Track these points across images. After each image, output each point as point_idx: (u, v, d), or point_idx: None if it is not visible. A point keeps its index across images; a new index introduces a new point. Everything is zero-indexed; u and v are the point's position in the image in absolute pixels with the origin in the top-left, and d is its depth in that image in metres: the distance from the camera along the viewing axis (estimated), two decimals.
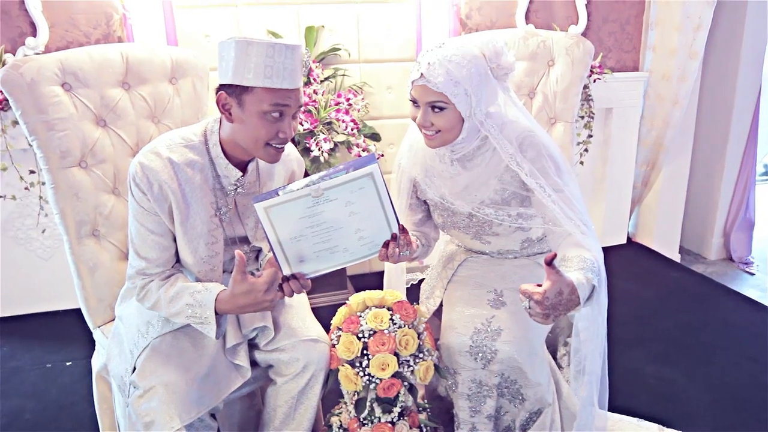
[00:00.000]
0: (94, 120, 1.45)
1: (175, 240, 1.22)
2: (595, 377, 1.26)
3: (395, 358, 1.26)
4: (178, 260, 1.25)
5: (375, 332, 1.27)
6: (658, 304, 2.58)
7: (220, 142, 1.21)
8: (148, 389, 1.14)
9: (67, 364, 2.19)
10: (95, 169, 1.45)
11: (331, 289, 2.43)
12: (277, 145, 1.17)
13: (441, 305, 1.52)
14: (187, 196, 1.18)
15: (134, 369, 1.20)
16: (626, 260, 3.11)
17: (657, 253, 3.20)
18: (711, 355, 2.14)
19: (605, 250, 3.22)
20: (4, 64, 2.21)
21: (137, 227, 1.18)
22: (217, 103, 1.14)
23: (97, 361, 1.55)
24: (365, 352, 1.27)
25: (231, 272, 1.22)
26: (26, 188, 2.31)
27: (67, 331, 2.40)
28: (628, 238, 3.37)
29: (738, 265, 3.26)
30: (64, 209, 1.42)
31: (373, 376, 1.25)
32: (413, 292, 1.66)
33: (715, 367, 2.05)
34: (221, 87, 1.13)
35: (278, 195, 1.10)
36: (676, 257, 3.28)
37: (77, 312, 2.53)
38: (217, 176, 1.23)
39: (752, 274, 3.16)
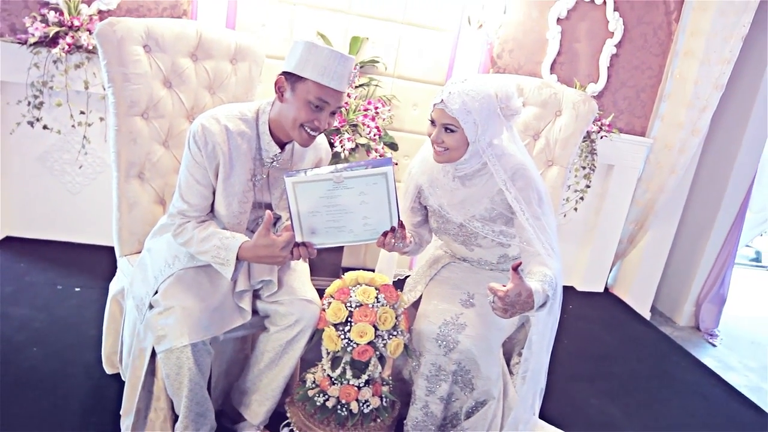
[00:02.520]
0: (162, 81, 1.70)
1: (214, 193, 1.45)
2: (536, 378, 1.47)
3: (373, 329, 1.48)
4: (211, 210, 1.48)
5: (361, 305, 1.49)
6: (617, 350, 2.79)
7: (269, 122, 1.45)
8: (168, 308, 1.37)
9: (76, 289, 2.40)
10: (154, 121, 1.69)
11: (326, 275, 2.66)
12: (310, 131, 1.40)
13: (420, 299, 1.74)
14: (233, 160, 1.41)
15: (155, 293, 1.43)
16: (599, 307, 3.32)
17: (629, 307, 3.40)
18: (653, 401, 2.34)
19: (582, 294, 3.48)
20: (79, 13, 2.46)
21: (186, 176, 1.41)
22: (276, 84, 1.39)
23: (115, 286, 1.77)
24: (349, 319, 1.49)
25: (253, 231, 1.45)
26: (73, 126, 2.55)
27: (80, 262, 2.63)
28: (606, 288, 3.58)
29: (703, 335, 3.42)
30: (120, 150, 1.65)
31: (351, 340, 1.47)
32: (398, 286, 1.87)
33: (653, 412, 2.25)
34: (283, 73, 1.37)
35: (306, 174, 1.33)
36: (647, 315, 3.47)
37: (92, 247, 2.78)
38: (260, 149, 1.47)
39: (714, 345, 3.32)
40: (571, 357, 2.57)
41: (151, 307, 1.43)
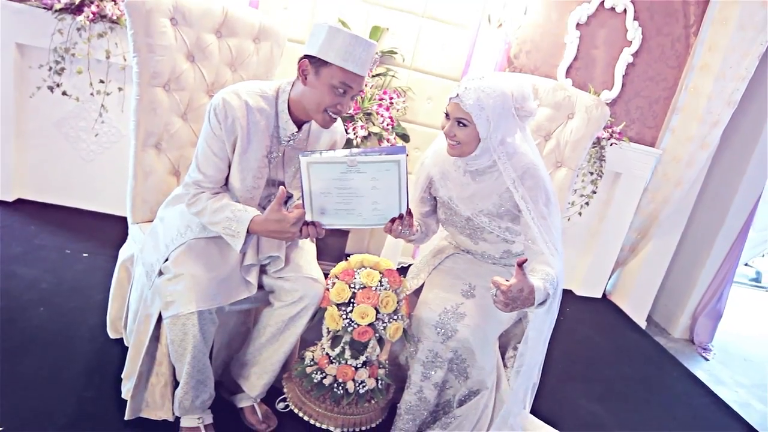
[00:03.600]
0: (186, 54, 1.73)
1: (229, 167, 1.48)
2: (529, 373, 1.51)
3: (375, 312, 1.51)
4: (226, 183, 1.51)
5: (364, 287, 1.53)
6: (610, 355, 2.82)
7: (288, 101, 1.48)
8: (178, 275, 1.41)
9: (84, 255, 2.45)
10: (175, 94, 1.73)
11: (331, 259, 2.70)
12: (332, 114, 1.44)
13: (422, 287, 1.77)
14: (251, 135, 1.45)
15: (166, 260, 1.46)
16: (596, 313, 3.35)
17: (626, 315, 3.43)
18: (641, 407, 2.38)
19: (580, 299, 3.50)
20: None
21: (204, 148, 1.44)
22: (299, 67, 1.42)
23: (125, 252, 1.81)
24: (352, 300, 1.53)
25: (264, 208, 1.49)
26: (92, 94, 2.58)
27: (89, 228, 2.67)
28: (604, 295, 3.61)
29: (697, 348, 3.44)
30: (139, 119, 1.68)
31: (353, 321, 1.51)
32: (400, 273, 1.91)
33: (640, 416, 2.29)
34: (306, 56, 1.40)
35: (321, 155, 1.36)
36: (642, 324, 3.50)
37: (102, 215, 2.82)
38: (277, 127, 1.50)
39: (707, 359, 3.34)
40: (564, 358, 2.60)
41: (160, 273, 1.47)
